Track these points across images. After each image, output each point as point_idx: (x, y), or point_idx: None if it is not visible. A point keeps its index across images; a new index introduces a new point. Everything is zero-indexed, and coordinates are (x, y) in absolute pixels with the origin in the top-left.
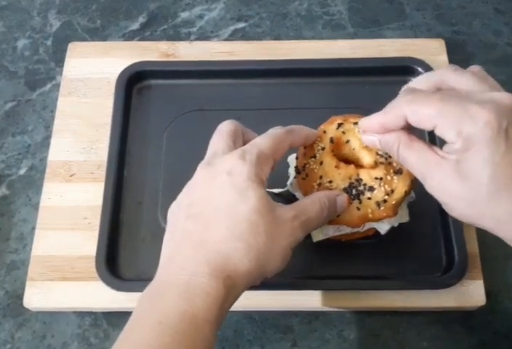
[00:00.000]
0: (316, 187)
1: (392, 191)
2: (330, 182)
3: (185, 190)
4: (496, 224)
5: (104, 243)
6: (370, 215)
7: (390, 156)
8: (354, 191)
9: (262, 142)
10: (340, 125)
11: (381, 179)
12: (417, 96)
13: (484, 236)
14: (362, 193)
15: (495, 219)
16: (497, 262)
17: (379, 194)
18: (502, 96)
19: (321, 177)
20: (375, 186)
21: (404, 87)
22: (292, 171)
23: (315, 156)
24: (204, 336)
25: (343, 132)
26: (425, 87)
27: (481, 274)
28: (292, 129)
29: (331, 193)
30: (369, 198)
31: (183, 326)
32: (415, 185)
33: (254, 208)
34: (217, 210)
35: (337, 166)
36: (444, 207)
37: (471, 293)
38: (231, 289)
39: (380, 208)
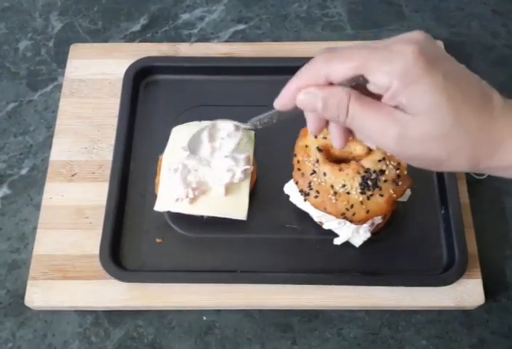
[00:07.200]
0: (333, 198)
1: (399, 164)
2: (344, 186)
3: None
4: (472, 152)
5: (108, 235)
6: (394, 195)
7: None
8: (370, 182)
9: None
10: None
11: (383, 159)
12: (333, 53)
13: (483, 236)
14: (377, 179)
15: (469, 142)
16: (496, 262)
17: (391, 172)
18: (412, 34)
19: (332, 187)
20: (383, 167)
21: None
22: (294, 200)
23: (314, 172)
24: None
25: (324, 138)
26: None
27: (479, 273)
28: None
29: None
30: (386, 181)
31: None
32: None
33: None
34: None
35: (340, 169)
36: (420, 163)
37: (470, 292)
38: None
39: (398, 184)
